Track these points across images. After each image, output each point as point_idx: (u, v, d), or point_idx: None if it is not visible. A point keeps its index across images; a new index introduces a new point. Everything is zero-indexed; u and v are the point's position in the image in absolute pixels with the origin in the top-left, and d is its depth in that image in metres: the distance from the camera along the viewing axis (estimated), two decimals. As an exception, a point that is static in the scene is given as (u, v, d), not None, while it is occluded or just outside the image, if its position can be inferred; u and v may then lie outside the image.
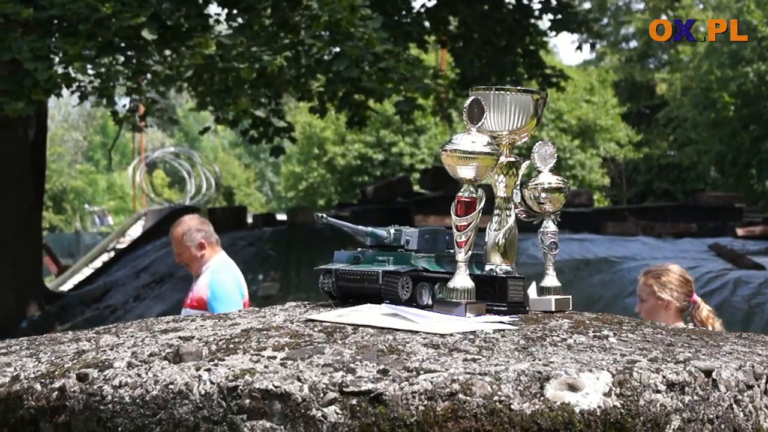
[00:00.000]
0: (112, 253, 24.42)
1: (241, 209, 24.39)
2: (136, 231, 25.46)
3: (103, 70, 14.37)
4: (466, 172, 3.68)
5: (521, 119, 3.95)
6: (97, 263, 24.46)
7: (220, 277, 8.19)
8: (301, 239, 17.15)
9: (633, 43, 52.21)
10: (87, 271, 24.16)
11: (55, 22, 13.36)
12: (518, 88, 4.11)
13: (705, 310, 7.59)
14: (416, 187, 23.74)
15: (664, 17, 49.08)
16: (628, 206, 28.31)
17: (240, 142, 59.50)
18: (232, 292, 8.05)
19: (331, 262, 4.02)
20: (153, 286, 16.87)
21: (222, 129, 21.43)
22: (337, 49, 13.58)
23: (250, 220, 22.66)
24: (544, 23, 18.08)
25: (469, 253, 3.74)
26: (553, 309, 3.99)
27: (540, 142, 4.16)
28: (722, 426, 3.20)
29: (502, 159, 3.91)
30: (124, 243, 24.67)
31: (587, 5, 40.96)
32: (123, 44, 13.88)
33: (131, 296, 16.54)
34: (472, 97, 3.80)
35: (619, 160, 43.02)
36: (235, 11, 15.47)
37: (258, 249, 13.66)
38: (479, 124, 3.72)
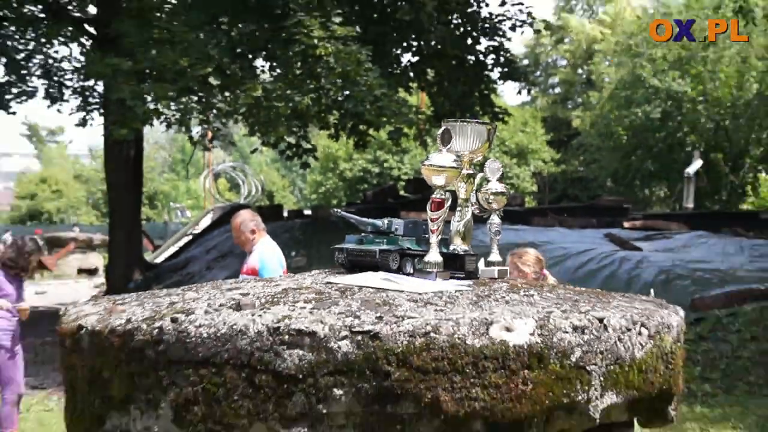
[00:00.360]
0: (190, 237, 24.37)
1: (279, 207, 24.31)
2: (206, 221, 25.44)
3: (182, 106, 14.40)
4: (438, 180, 3.77)
5: (478, 143, 4.03)
6: (180, 244, 24.42)
7: (266, 253, 8.21)
8: (321, 228, 17.18)
9: (557, 90, 51.93)
10: (172, 249, 24.16)
11: (147, 71, 13.36)
12: (476, 120, 4.18)
13: (551, 279, 7.72)
14: (402, 192, 23.62)
15: (580, 71, 48.97)
16: (549, 206, 28.20)
17: (278, 159, 59.35)
18: (275, 263, 8.08)
19: (343, 243, 4.09)
20: (219, 259, 16.87)
21: (266, 149, 21.35)
22: (347, 92, 13.57)
23: (285, 214, 22.60)
24: (495, 74, 18.00)
25: (439, 237, 3.83)
26: (497, 276, 4.08)
27: (490, 159, 4.22)
28: (609, 356, 3.27)
29: (464, 171, 3.99)
30: (198, 229, 24.61)
31: (525, 61, 40.66)
32: (196, 88, 13.88)
33: (204, 266, 16.55)
34: (444, 127, 3.88)
35: (543, 173, 42.97)
36: (275, 64, 15.47)
37: (291, 234, 13.72)
38: (448, 146, 3.80)
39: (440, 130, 3.89)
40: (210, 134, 19.23)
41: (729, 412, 8.83)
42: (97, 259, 31.50)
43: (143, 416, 3.23)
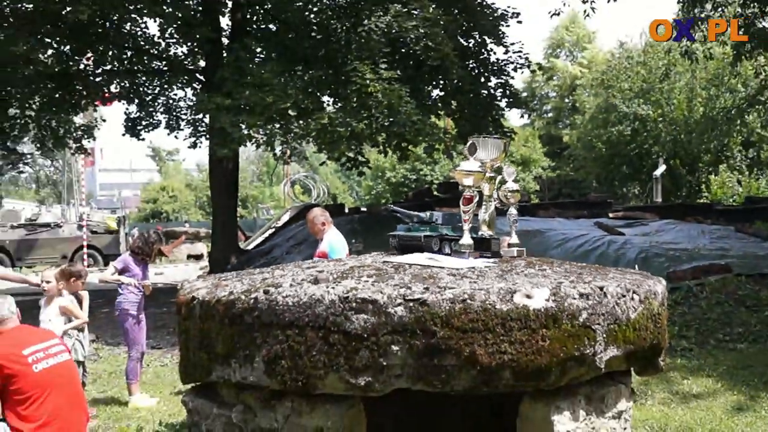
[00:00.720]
0: (273, 230, 24.35)
1: (342, 205, 24.32)
2: (285, 217, 25.42)
3: (268, 132, 14.44)
4: (467, 181, 3.67)
5: (496, 153, 3.92)
6: (265, 235, 24.45)
7: (333, 240, 8.12)
8: (374, 221, 17.12)
9: (550, 114, 51.71)
10: (260, 239, 24.18)
11: (242, 106, 13.38)
12: (494, 136, 4.08)
13: None
14: (435, 192, 23.51)
15: (567, 100, 48.72)
16: (549, 202, 27.98)
17: (339, 170, 59.59)
18: (340, 248, 7.98)
19: (395, 231, 4.01)
20: (296, 246, 16.85)
21: (330, 163, 21.58)
22: (392, 119, 13.53)
23: (346, 210, 22.57)
24: (502, 104, 17.92)
25: (470, 225, 3.72)
26: (515, 255, 3.94)
27: (506, 165, 4.11)
28: (609, 317, 3.14)
29: (487, 174, 3.88)
30: (279, 224, 24.60)
31: (525, 94, 40.47)
32: (278, 118, 13.89)
33: (284, 252, 16.52)
34: (471, 141, 3.78)
35: (543, 177, 42.75)
36: (337, 99, 15.51)
37: (351, 226, 13.66)
38: (474, 155, 3.71)
39: (468, 143, 3.81)
40: (288, 152, 19.41)
41: (703, 363, 8.60)
42: (203, 248, 31.67)
43: (241, 368, 3.16)
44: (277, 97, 13.17)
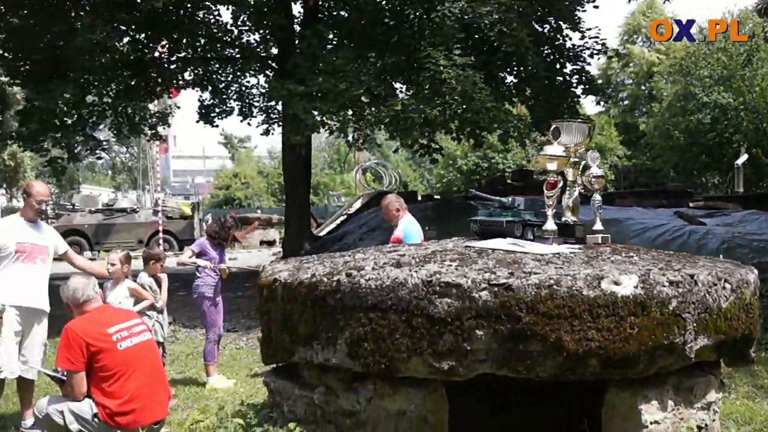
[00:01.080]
0: (345, 216, 24.49)
1: (414, 192, 24.35)
2: (357, 205, 25.51)
3: (341, 118, 14.49)
4: (551, 166, 3.63)
5: (580, 137, 3.85)
6: (337, 222, 24.60)
7: (408, 226, 8.13)
8: (447, 208, 17.13)
9: (626, 102, 50.69)
10: (332, 226, 24.34)
11: (314, 93, 13.44)
12: (579, 120, 4.02)
13: None
14: (508, 180, 23.32)
15: (643, 87, 47.73)
16: (626, 191, 27.48)
17: (410, 157, 59.55)
18: (415, 234, 7.97)
19: (476, 216, 3.98)
20: (368, 233, 16.89)
21: (402, 151, 21.54)
22: (466, 106, 13.42)
23: (419, 198, 22.51)
24: (578, 91, 17.61)
25: (553, 210, 3.67)
26: (600, 242, 3.87)
27: (590, 150, 4.04)
28: (700, 306, 3.07)
29: (571, 159, 3.82)
30: (351, 211, 24.72)
31: (600, 81, 39.82)
32: (351, 105, 13.91)
33: (357, 238, 16.55)
34: (554, 125, 3.73)
35: (619, 166, 41.95)
36: (409, 86, 15.46)
37: (424, 213, 13.61)
38: (558, 139, 3.66)
39: (552, 128, 3.75)
40: (361, 139, 19.42)
41: (790, 357, 8.33)
42: (275, 234, 32.06)
43: (324, 350, 3.19)
44: (350, 83, 13.18)
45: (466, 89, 13.27)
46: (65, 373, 5.45)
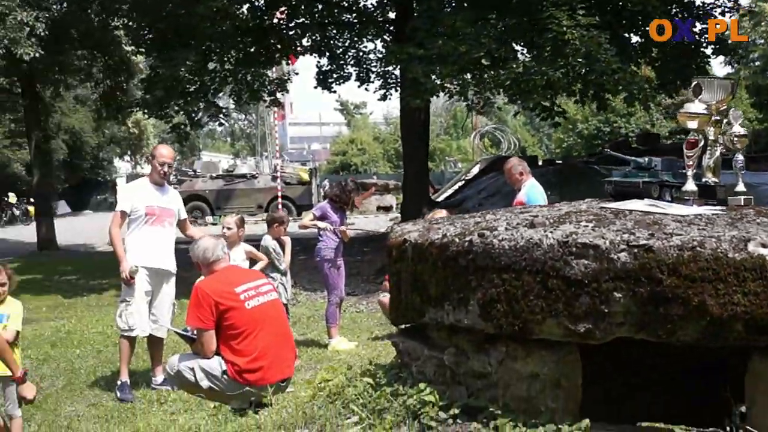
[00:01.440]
0: (463, 182, 24.45)
1: (535, 157, 24.10)
2: (475, 170, 25.39)
3: (461, 82, 14.39)
4: (692, 124, 3.50)
5: (722, 95, 3.70)
6: (455, 187, 24.57)
7: (532, 190, 8.06)
8: (569, 173, 16.88)
9: (757, 63, 48.35)
10: (449, 192, 24.34)
11: (433, 56, 13.36)
12: (721, 77, 3.86)
13: None
14: (633, 144, 22.69)
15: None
16: (760, 155, 26.27)
17: (528, 122, 58.74)
18: (539, 197, 7.91)
19: (611, 177, 3.90)
20: (488, 198, 16.86)
21: (520, 116, 21.23)
22: (590, 68, 13.09)
23: (540, 163, 22.21)
24: (708, 51, 16.87)
25: (694, 171, 3.55)
26: (742, 204, 3.72)
27: (732, 108, 3.87)
28: None
29: (713, 118, 3.67)
30: (469, 176, 24.64)
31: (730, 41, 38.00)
32: (471, 67, 13.77)
33: (476, 203, 16.53)
34: (695, 82, 3.60)
35: (750, 129, 40.34)
36: (530, 48, 15.18)
37: (546, 178, 13.40)
38: (699, 97, 3.53)
39: (692, 84, 3.62)
40: (481, 102, 19.30)
41: None
42: (391, 200, 32.38)
43: (455, 311, 3.20)
44: (470, 46, 13.06)
45: (590, 50, 12.94)
46: (195, 331, 5.68)
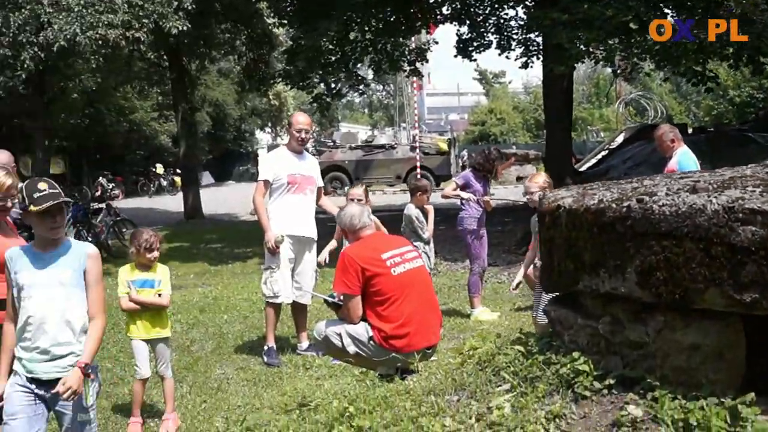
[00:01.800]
0: (606, 151, 23.88)
1: (684, 125, 23.13)
2: (619, 139, 24.73)
3: (607, 47, 14.01)
4: None
5: None
6: (598, 157, 24.03)
7: (684, 158, 7.81)
8: (721, 142, 16.32)
9: None
10: (592, 161, 23.86)
11: (578, 21, 13.06)
12: None
13: None
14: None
15: None
16: None
17: (674, 90, 56.49)
18: (691, 165, 7.66)
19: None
20: (634, 168, 16.42)
21: (667, 82, 20.42)
22: (745, 29, 12.49)
23: (689, 131, 21.37)
24: None
25: None
26: None
27: None
28: None
29: None
30: (614, 145, 24.01)
31: None
32: (618, 32, 13.35)
33: (622, 173, 16.12)
34: None
35: None
36: (681, 10, 14.53)
37: (696, 146, 12.70)
38: None
39: None
40: (628, 68, 18.73)
41: None
42: (531, 170, 31.97)
43: (611, 279, 3.14)
44: (617, 10, 12.70)
45: (746, 11, 12.37)
46: (341, 297, 5.84)
